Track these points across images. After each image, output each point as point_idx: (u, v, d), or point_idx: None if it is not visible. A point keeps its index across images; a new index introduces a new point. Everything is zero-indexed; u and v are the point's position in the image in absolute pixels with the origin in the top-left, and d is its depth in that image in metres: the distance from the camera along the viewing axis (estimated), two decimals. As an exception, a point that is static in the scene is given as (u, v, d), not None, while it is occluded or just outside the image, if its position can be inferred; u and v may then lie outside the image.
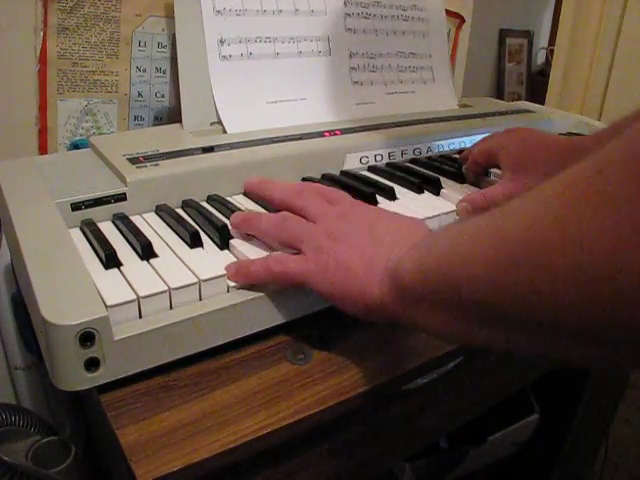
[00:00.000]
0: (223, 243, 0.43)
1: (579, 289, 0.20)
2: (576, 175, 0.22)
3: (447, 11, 0.85)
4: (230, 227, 0.44)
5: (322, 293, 0.37)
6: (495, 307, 0.26)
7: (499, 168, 0.57)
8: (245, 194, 0.53)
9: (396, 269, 0.34)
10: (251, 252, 0.42)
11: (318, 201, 0.43)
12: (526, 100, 1.15)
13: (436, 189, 0.58)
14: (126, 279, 0.37)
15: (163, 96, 0.69)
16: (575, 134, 0.77)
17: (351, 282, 0.36)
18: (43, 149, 0.63)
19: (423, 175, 0.60)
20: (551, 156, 0.53)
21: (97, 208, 0.46)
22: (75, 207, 0.45)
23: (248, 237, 0.44)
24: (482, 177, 0.61)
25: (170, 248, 0.43)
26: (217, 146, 0.55)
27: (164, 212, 0.48)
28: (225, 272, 0.39)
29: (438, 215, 0.52)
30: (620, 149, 0.20)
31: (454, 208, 0.53)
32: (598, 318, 0.20)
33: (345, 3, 0.70)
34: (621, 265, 0.18)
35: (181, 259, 0.41)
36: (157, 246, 0.42)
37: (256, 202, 0.52)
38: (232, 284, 0.39)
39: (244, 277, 0.39)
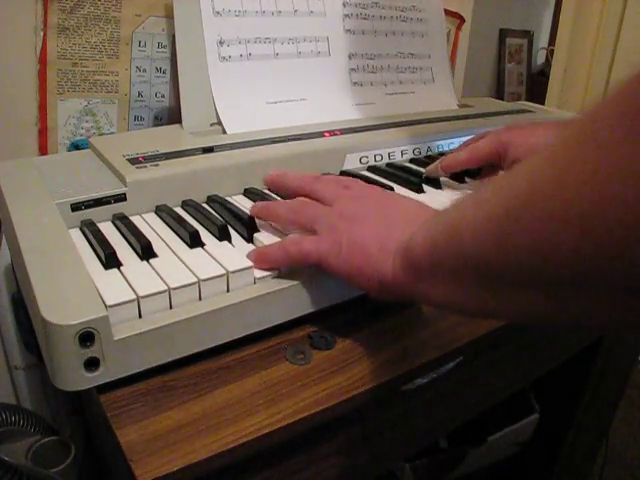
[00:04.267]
0: (249, 235, 0.45)
1: (575, 230, 0.20)
2: (573, 125, 0.22)
3: (447, 11, 0.85)
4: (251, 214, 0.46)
5: (336, 271, 0.39)
6: (500, 267, 0.26)
7: (498, 167, 0.57)
8: (245, 195, 0.53)
9: (408, 245, 0.35)
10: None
11: (333, 186, 0.45)
12: (526, 100, 1.15)
13: (436, 189, 0.58)
14: (126, 279, 0.37)
15: (163, 96, 0.69)
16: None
17: (365, 260, 0.38)
18: (43, 149, 0.63)
19: (423, 175, 0.60)
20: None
21: (97, 208, 0.46)
22: (75, 207, 0.45)
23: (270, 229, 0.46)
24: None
25: (170, 248, 0.43)
26: (217, 146, 0.55)
27: (164, 212, 0.48)
28: (224, 272, 0.39)
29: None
30: (614, 97, 0.21)
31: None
32: (597, 260, 0.20)
33: (344, 4, 0.70)
34: (611, 201, 0.19)
35: (181, 259, 0.41)
36: (157, 246, 0.42)
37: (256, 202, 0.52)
38: (232, 285, 0.39)
39: (265, 262, 0.41)
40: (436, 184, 0.58)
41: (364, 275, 0.38)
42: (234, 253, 0.42)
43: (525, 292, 0.25)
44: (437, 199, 0.55)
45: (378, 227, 0.39)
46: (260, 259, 0.41)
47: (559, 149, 0.22)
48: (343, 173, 0.59)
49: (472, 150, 0.58)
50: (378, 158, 0.63)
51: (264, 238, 0.44)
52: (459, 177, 0.61)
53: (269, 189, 0.54)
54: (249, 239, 0.45)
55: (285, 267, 0.41)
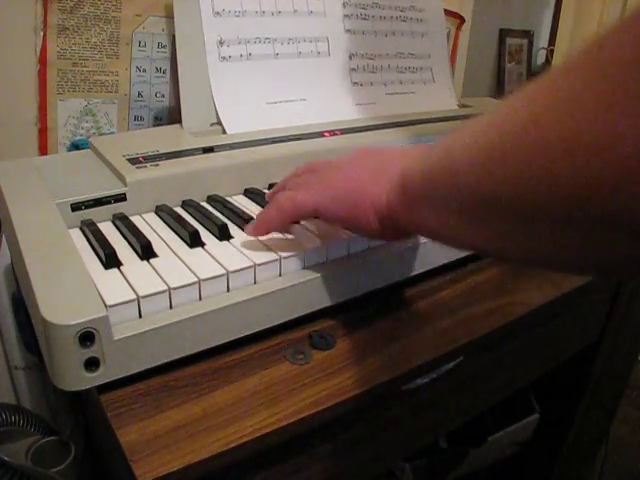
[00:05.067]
0: (223, 237, 0.44)
1: (575, 162, 0.19)
2: (578, 53, 0.21)
3: (447, 11, 0.85)
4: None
5: (334, 212, 0.38)
6: (494, 195, 0.25)
7: None
8: (246, 195, 0.53)
9: (403, 173, 0.35)
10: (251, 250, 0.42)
11: (308, 174, 0.43)
12: (526, 100, 1.14)
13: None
14: (126, 279, 0.37)
15: (163, 96, 0.69)
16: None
17: (362, 195, 0.37)
18: (43, 149, 0.63)
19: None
20: None
21: (97, 208, 0.46)
22: (75, 207, 0.45)
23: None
24: None
25: (170, 248, 0.43)
26: (217, 146, 0.55)
27: (164, 212, 0.48)
28: (224, 272, 0.39)
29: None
30: (623, 22, 0.20)
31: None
32: (597, 193, 0.19)
33: (344, 4, 0.70)
34: (620, 132, 0.18)
35: (181, 259, 0.41)
36: (157, 246, 0.42)
37: (256, 202, 0.52)
38: (232, 285, 0.39)
39: (263, 227, 0.40)
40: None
41: (362, 212, 0.37)
42: (234, 253, 0.42)
43: (516, 226, 0.25)
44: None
45: (371, 166, 0.39)
46: (258, 225, 0.40)
47: (561, 76, 0.21)
48: (343, 173, 0.59)
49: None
50: (378, 158, 0.63)
51: (265, 238, 0.44)
52: None
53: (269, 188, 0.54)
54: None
55: (283, 226, 0.40)
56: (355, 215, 0.38)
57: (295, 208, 0.39)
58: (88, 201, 0.46)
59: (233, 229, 0.46)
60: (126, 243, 0.43)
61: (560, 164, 0.20)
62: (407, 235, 0.40)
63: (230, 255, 0.41)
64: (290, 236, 0.44)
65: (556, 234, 0.23)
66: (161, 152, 0.53)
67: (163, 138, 0.57)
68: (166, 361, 0.37)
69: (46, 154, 0.63)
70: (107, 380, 0.34)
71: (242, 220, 0.46)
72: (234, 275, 0.39)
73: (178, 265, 0.40)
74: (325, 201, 0.38)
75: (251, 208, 0.50)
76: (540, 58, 1.36)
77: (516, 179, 0.23)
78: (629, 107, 0.17)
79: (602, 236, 0.21)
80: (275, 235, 0.44)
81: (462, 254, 0.52)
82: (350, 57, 0.71)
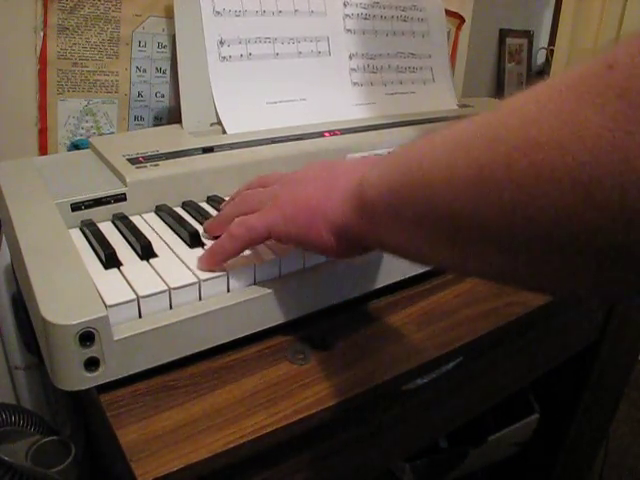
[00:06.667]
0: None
1: (579, 191, 0.18)
2: (583, 72, 0.20)
3: (447, 11, 0.85)
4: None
5: (286, 236, 0.36)
6: (479, 220, 0.23)
7: None
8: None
9: (359, 185, 0.32)
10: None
11: (261, 189, 0.41)
12: (526, 100, 1.14)
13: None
14: (126, 279, 0.37)
15: (163, 96, 0.69)
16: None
17: (311, 213, 0.35)
18: (43, 149, 0.63)
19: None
20: None
21: (97, 208, 0.46)
22: (75, 207, 0.45)
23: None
24: None
25: (170, 248, 0.43)
26: (217, 146, 0.55)
27: (164, 212, 0.48)
28: (224, 272, 0.39)
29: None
30: (632, 40, 0.18)
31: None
32: (599, 223, 0.18)
33: (344, 4, 0.70)
34: (630, 163, 0.17)
35: (181, 259, 0.41)
36: (157, 246, 0.42)
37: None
38: (232, 285, 0.39)
39: (216, 257, 0.38)
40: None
41: (314, 229, 0.35)
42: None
43: (500, 250, 0.23)
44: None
45: (321, 182, 0.36)
46: (211, 256, 0.38)
47: (563, 98, 0.20)
48: (343, 173, 0.59)
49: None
50: (378, 158, 0.63)
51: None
52: None
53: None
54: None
55: (237, 254, 0.38)
56: (307, 234, 0.35)
57: (248, 235, 0.37)
58: (88, 201, 0.46)
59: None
60: (126, 243, 0.43)
61: (568, 197, 0.19)
62: (367, 250, 0.37)
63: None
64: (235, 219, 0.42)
65: (561, 265, 0.21)
66: (161, 152, 0.53)
67: (163, 138, 0.57)
68: (166, 361, 0.37)
69: (46, 154, 0.63)
70: (107, 380, 0.34)
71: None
72: (234, 275, 0.39)
73: (178, 265, 0.40)
74: (277, 225, 0.36)
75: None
76: (540, 58, 1.36)
77: (514, 207, 0.21)
78: None
79: (610, 271, 0.20)
80: None
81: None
82: (350, 57, 0.71)
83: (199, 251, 0.42)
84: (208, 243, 0.43)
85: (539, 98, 0.21)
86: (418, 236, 0.28)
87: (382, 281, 0.47)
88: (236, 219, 0.39)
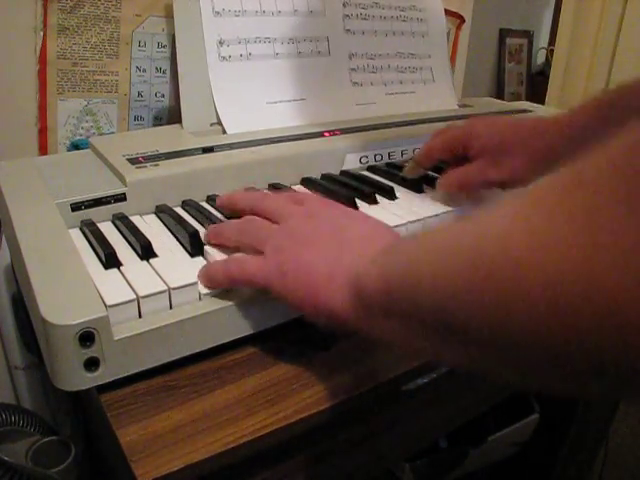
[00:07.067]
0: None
1: (552, 307, 0.18)
2: (553, 185, 0.20)
3: (447, 11, 0.85)
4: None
5: (281, 297, 0.36)
6: (458, 324, 0.23)
7: (463, 160, 0.55)
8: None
9: (359, 278, 0.32)
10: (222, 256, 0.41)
11: (283, 202, 0.41)
12: (526, 100, 1.15)
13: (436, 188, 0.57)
14: (126, 279, 0.37)
15: (163, 96, 0.69)
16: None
17: (311, 290, 0.34)
18: (43, 149, 0.63)
19: (423, 174, 0.60)
20: (524, 137, 0.52)
21: (97, 208, 0.46)
22: (75, 207, 0.45)
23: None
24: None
25: (170, 248, 0.43)
26: (217, 146, 0.55)
27: (164, 212, 0.48)
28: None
29: (438, 215, 0.52)
30: (604, 162, 0.18)
31: (454, 207, 0.53)
32: (574, 340, 0.18)
33: (344, 4, 0.70)
34: (597, 285, 0.17)
35: (181, 259, 0.41)
36: (157, 246, 0.42)
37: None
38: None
39: (208, 281, 0.38)
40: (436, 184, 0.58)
41: (309, 306, 0.35)
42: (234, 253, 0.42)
43: (481, 350, 0.24)
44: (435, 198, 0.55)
45: (328, 251, 0.35)
46: (204, 277, 0.38)
47: (538, 215, 0.20)
48: (343, 173, 0.59)
49: (441, 135, 0.57)
50: (378, 158, 0.63)
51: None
52: (417, 186, 0.58)
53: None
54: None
55: (228, 287, 0.38)
56: (302, 309, 0.35)
57: (243, 278, 0.37)
58: (88, 201, 0.46)
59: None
60: (126, 243, 0.43)
61: (535, 308, 0.19)
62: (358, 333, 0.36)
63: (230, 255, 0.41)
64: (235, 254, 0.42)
65: (525, 362, 0.22)
66: (161, 152, 0.53)
67: (163, 138, 0.57)
68: (166, 361, 0.37)
69: (46, 154, 0.63)
70: (107, 380, 0.34)
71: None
72: (234, 275, 0.39)
73: (178, 265, 0.40)
74: (274, 282, 0.36)
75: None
76: (540, 58, 1.37)
77: (487, 314, 0.22)
78: (611, 261, 0.16)
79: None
80: None
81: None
82: (350, 57, 0.71)
83: (199, 251, 0.42)
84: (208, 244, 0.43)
85: (510, 211, 0.22)
86: (407, 332, 0.29)
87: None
88: (238, 256, 0.39)
